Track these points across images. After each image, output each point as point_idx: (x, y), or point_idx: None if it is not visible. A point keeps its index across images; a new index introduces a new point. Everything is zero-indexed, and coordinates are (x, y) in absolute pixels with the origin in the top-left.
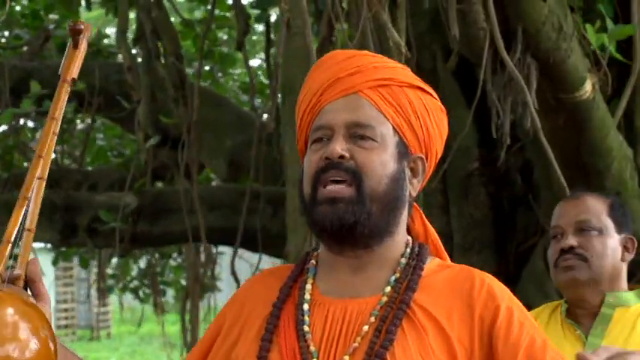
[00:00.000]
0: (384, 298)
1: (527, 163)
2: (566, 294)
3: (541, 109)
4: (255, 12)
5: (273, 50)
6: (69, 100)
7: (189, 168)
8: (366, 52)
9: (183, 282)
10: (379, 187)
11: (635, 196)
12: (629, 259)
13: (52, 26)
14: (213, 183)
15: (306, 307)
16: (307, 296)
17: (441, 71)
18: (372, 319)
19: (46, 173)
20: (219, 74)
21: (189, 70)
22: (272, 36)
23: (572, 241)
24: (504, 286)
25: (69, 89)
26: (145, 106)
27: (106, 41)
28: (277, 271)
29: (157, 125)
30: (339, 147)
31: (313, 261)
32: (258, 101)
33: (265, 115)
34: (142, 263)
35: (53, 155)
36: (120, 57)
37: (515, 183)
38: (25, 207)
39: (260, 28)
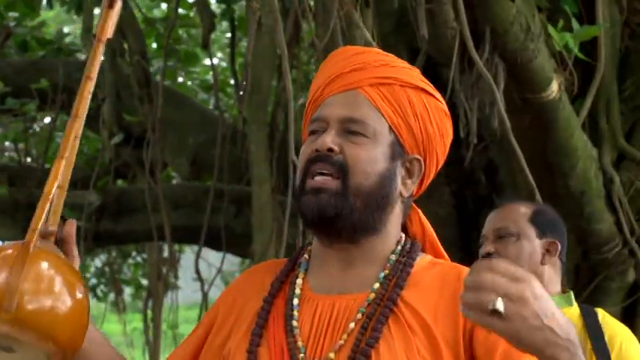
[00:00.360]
0: (372, 295)
1: (491, 162)
2: None
3: (508, 109)
4: (220, 7)
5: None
6: (31, 98)
7: (153, 166)
8: (376, 49)
9: (143, 280)
10: (365, 182)
11: (600, 196)
12: (549, 262)
13: (12, 24)
14: (174, 181)
15: (295, 302)
16: (297, 291)
17: None
18: (359, 315)
19: (80, 132)
20: (182, 72)
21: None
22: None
23: (490, 247)
24: None
25: (103, 49)
26: (110, 104)
27: (67, 39)
28: (272, 265)
29: (120, 124)
30: (329, 140)
31: (306, 255)
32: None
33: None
34: (99, 262)
35: (15, 155)
36: (82, 55)
37: (479, 182)
38: (62, 165)
39: (221, 25)
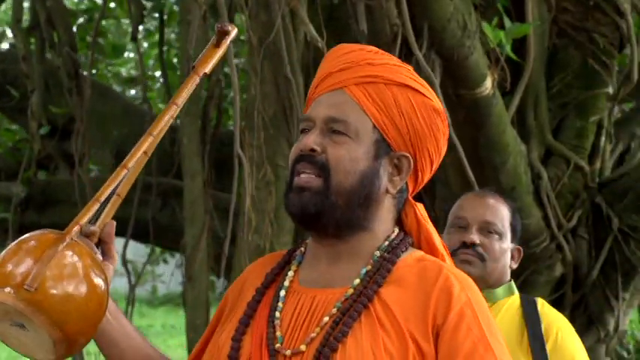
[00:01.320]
0: (351, 290)
1: None
2: None
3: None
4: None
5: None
6: None
7: (79, 158)
8: (366, 47)
9: None
10: (346, 181)
11: (528, 191)
12: (513, 267)
13: None
14: (92, 174)
15: (282, 293)
16: (286, 283)
17: None
18: (334, 310)
19: (152, 151)
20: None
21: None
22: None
23: (476, 237)
24: (471, 287)
25: (197, 81)
26: (38, 96)
27: None
28: (273, 257)
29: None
30: (312, 141)
31: (302, 248)
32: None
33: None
34: None
35: None
36: (4, 45)
37: None
38: (123, 175)
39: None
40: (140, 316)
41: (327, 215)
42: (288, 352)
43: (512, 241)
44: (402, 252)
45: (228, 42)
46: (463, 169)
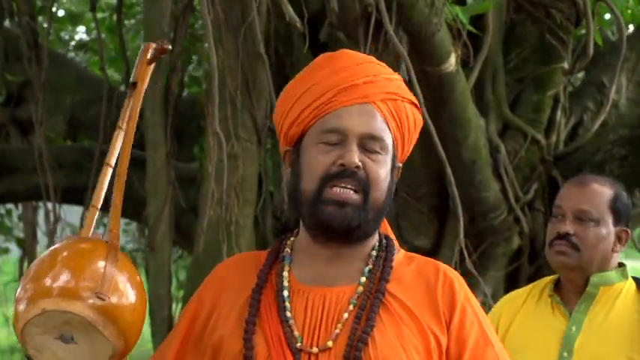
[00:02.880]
0: (361, 288)
1: None
2: (558, 272)
3: (407, 81)
4: None
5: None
6: None
7: (34, 126)
8: (373, 59)
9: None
10: (381, 197)
11: (488, 165)
12: (620, 250)
13: None
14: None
15: (285, 293)
16: (286, 283)
17: (295, 39)
18: (351, 307)
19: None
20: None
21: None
22: None
23: (569, 227)
24: (463, 281)
25: (141, 99)
26: None
27: None
28: (249, 258)
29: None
30: (356, 157)
31: (288, 249)
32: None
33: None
34: None
35: None
36: None
37: None
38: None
39: None
40: None
41: (362, 228)
42: (315, 350)
43: (616, 224)
44: (395, 250)
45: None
46: (424, 142)
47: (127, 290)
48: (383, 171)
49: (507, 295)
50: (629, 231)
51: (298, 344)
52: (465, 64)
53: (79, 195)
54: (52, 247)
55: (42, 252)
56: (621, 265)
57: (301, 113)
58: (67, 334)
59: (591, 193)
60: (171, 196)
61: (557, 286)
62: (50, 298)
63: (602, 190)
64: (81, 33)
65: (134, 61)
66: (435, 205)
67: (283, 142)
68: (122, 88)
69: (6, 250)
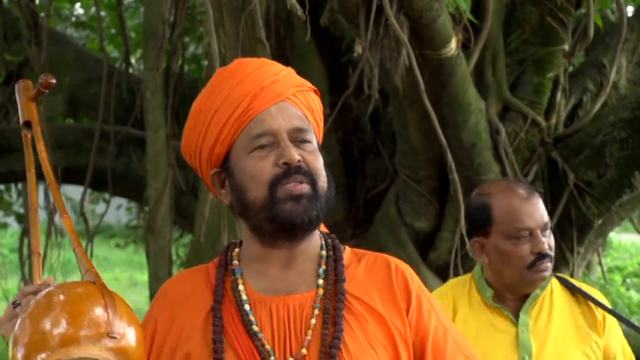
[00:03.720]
0: (321, 291)
1: (376, 111)
2: (524, 289)
3: (406, 64)
4: None
5: None
6: None
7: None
8: (266, 60)
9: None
10: (324, 185)
11: (488, 147)
12: None
13: None
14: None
15: (247, 307)
16: (244, 297)
17: (295, 21)
18: (317, 311)
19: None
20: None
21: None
22: None
23: (546, 245)
24: (414, 272)
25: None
26: None
27: None
28: (196, 272)
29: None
30: (295, 153)
31: (235, 261)
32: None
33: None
34: None
35: None
36: None
37: (364, 130)
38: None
39: None
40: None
41: (319, 219)
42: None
43: None
44: (342, 248)
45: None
46: (424, 125)
47: (130, 327)
48: (319, 159)
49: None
50: None
51: (272, 358)
52: (465, 46)
53: (79, 175)
54: (48, 294)
55: (42, 230)
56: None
57: (222, 129)
58: None
59: (541, 204)
60: (171, 178)
61: (494, 297)
62: (68, 346)
63: (539, 197)
64: (80, 10)
65: (134, 39)
66: (435, 187)
67: (207, 165)
68: (122, 66)
69: (5, 226)
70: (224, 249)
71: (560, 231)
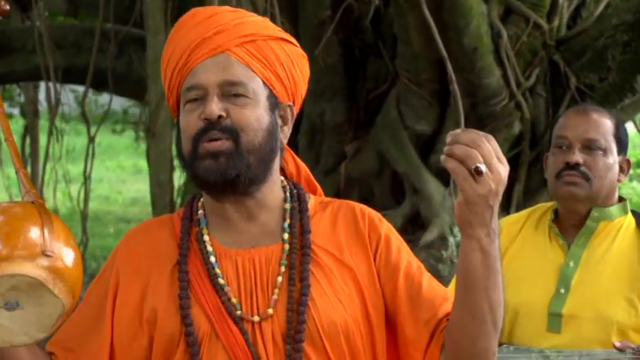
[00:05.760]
0: (287, 246)
1: (377, 12)
2: (561, 204)
3: None
4: None
5: None
6: None
7: (33, 5)
8: (226, 7)
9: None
10: (255, 140)
11: (489, 51)
12: (623, 180)
13: None
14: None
15: (212, 260)
16: (210, 249)
17: None
18: (283, 268)
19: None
20: None
21: None
22: None
23: (579, 157)
24: (381, 215)
25: None
26: None
27: None
28: (160, 223)
29: None
30: (216, 107)
31: (201, 211)
32: None
33: None
34: None
35: None
36: None
37: (366, 31)
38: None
39: None
40: (76, 134)
41: (243, 176)
42: (257, 318)
43: (619, 154)
44: (308, 199)
45: None
46: (424, 29)
47: (67, 248)
48: (252, 113)
49: (505, 218)
50: (631, 160)
51: (238, 312)
52: None
53: (79, 74)
54: None
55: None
56: (622, 199)
57: (170, 80)
58: (12, 300)
59: (596, 122)
60: None
61: (555, 217)
62: (1, 263)
63: (605, 119)
64: None
65: None
66: (436, 90)
67: (173, 113)
68: None
69: (10, 116)
70: (189, 199)
71: None
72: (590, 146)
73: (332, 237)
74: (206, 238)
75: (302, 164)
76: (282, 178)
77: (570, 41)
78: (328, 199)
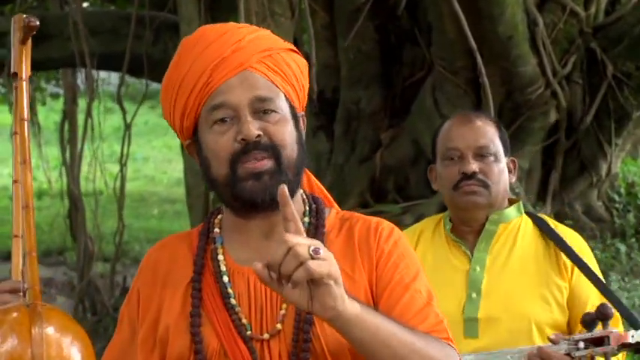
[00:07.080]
0: None
1: None
2: (460, 214)
3: None
4: None
5: None
6: None
7: None
8: (232, 24)
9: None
10: (292, 155)
11: (525, 39)
12: (513, 181)
13: None
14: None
15: (226, 279)
16: (223, 268)
17: None
18: None
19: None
20: None
21: None
22: None
23: (475, 166)
24: (396, 230)
25: (26, 85)
26: None
27: None
28: (180, 239)
29: None
30: (253, 127)
31: (217, 229)
32: None
33: None
34: None
35: None
36: None
37: (401, 18)
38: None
39: None
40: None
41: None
42: (267, 336)
43: (506, 155)
44: (325, 214)
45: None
46: (459, 18)
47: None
48: (286, 129)
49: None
50: (516, 160)
51: (248, 332)
52: None
53: (115, 61)
54: None
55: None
56: (514, 200)
57: (187, 102)
58: None
59: (483, 129)
60: None
61: (452, 229)
62: None
63: (489, 124)
64: None
65: None
66: (471, 78)
67: (181, 136)
68: None
69: (57, 96)
70: (207, 215)
71: (598, 123)
72: (482, 154)
73: (346, 253)
74: (220, 257)
75: (314, 178)
76: (302, 191)
77: (607, 28)
78: (350, 213)
